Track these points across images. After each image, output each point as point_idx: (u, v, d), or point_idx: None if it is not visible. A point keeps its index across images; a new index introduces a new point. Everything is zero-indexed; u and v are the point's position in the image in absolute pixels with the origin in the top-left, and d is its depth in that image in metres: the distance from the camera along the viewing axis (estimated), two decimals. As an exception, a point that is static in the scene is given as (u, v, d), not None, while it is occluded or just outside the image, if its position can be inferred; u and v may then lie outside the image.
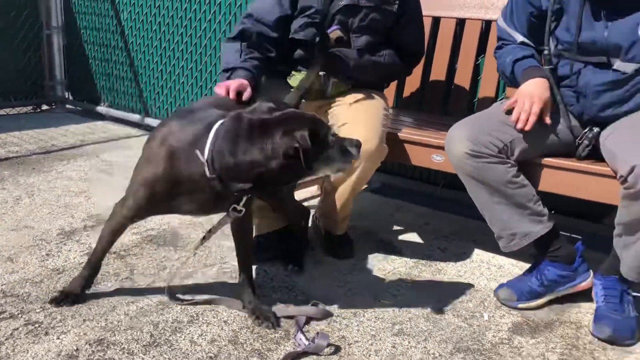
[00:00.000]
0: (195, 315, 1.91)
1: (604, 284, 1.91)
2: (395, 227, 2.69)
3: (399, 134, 2.28)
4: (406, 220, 2.76)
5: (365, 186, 3.20)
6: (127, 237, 2.48)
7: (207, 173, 1.61)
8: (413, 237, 2.60)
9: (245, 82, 2.06)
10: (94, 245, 2.32)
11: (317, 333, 1.76)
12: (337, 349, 1.75)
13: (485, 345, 1.80)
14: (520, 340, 1.83)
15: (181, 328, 1.83)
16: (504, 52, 2.11)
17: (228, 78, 2.15)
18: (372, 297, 2.07)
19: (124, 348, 1.72)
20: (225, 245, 2.45)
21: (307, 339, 1.74)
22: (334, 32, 2.27)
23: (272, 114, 1.64)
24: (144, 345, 1.74)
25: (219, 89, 2.03)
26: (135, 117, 4.40)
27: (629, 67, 1.83)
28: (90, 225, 2.59)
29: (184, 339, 1.78)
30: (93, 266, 1.97)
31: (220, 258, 2.33)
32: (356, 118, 2.17)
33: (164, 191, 1.70)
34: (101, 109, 4.67)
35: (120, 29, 4.34)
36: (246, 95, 2.03)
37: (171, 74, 4.09)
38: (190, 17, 3.86)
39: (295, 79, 2.39)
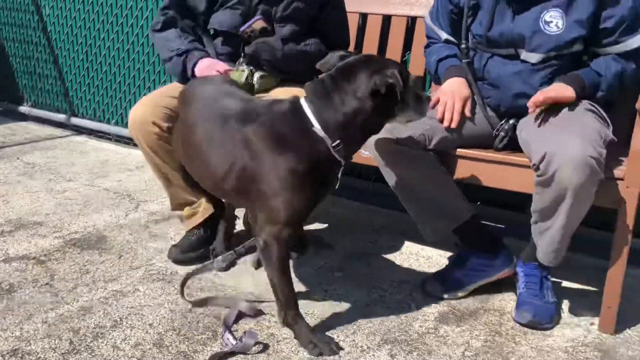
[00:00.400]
0: (119, 319, 1.84)
1: (524, 271, 1.98)
2: (328, 223, 2.69)
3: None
4: (338, 215, 2.77)
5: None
6: (49, 241, 2.37)
7: (330, 142, 1.62)
8: (345, 231, 2.61)
9: (212, 61, 2.20)
10: (10, 251, 2.21)
11: (245, 332, 1.73)
12: (265, 347, 1.73)
13: (412, 336, 1.83)
14: (446, 329, 1.87)
15: (104, 333, 1.77)
16: (431, 51, 2.17)
17: (184, 61, 2.21)
18: (303, 293, 2.06)
19: (39, 357, 1.64)
20: (152, 247, 2.38)
21: (234, 338, 1.71)
22: (257, 23, 2.24)
23: (347, 59, 1.67)
24: (62, 354, 1.66)
25: (210, 71, 2.16)
26: (61, 117, 4.22)
27: (533, 57, 1.90)
28: (8, 231, 2.46)
29: (106, 345, 1.71)
30: (293, 307, 1.74)
31: (147, 260, 2.26)
32: None
33: (311, 187, 1.66)
34: (24, 109, 4.45)
35: (42, 25, 4.14)
36: (225, 67, 2.18)
37: (98, 72, 3.95)
38: (116, 12, 3.73)
39: (222, 74, 2.36)
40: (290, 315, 1.73)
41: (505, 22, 1.92)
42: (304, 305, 1.95)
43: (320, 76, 1.71)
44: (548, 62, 1.89)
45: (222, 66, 2.19)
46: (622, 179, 1.77)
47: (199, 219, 2.29)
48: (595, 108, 1.83)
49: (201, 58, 2.21)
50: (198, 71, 2.19)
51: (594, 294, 2.05)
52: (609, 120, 1.84)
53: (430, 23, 2.18)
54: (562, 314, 1.97)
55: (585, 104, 1.82)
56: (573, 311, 1.99)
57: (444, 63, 2.08)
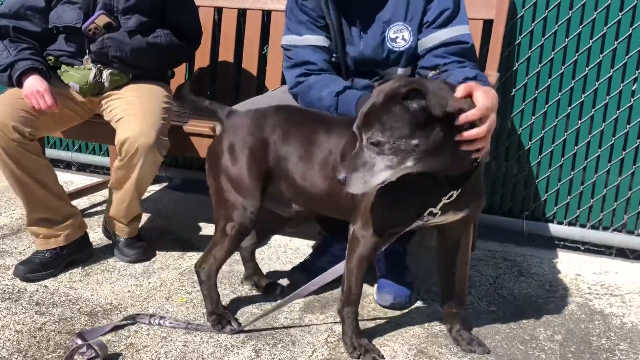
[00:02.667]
0: (-46, 348, 1.67)
1: (385, 254, 2.05)
2: (195, 223, 2.63)
3: (184, 126, 2.22)
4: (206, 214, 2.69)
5: (165, 184, 3.09)
6: None
7: None
8: (211, 230, 2.53)
9: (40, 80, 2.04)
10: None
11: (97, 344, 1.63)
12: (124, 357, 1.65)
13: (277, 328, 1.83)
14: (310, 318, 1.89)
15: None
16: (313, 86, 1.84)
17: (10, 77, 2.07)
18: (165, 298, 1.99)
19: None
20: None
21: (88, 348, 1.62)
22: (100, 18, 2.13)
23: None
24: None
25: (34, 102, 2.02)
26: None
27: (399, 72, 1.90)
28: None
29: (-63, 378, 1.54)
30: (355, 305, 1.69)
31: (-10, 279, 2.08)
32: (132, 111, 2.07)
33: None
34: None
35: None
36: (49, 95, 2.03)
37: None
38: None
39: (69, 74, 2.21)
40: (347, 309, 1.68)
41: (354, 43, 1.88)
42: (165, 311, 1.90)
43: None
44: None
45: (49, 99, 2.03)
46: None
47: (60, 242, 2.13)
48: None
49: (27, 70, 2.05)
50: (25, 89, 2.04)
51: (449, 270, 2.18)
52: None
53: (294, 41, 1.91)
54: (419, 292, 2.07)
55: None
56: (429, 288, 2.10)
57: (348, 95, 1.78)
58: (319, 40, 1.90)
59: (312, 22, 1.90)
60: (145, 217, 2.57)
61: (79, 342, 1.64)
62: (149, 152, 1.99)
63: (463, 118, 1.39)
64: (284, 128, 1.73)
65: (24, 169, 2.01)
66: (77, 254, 2.19)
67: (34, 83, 2.04)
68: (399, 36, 1.86)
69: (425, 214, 1.54)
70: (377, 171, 1.40)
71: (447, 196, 1.52)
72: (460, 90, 1.41)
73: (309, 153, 1.69)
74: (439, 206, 1.53)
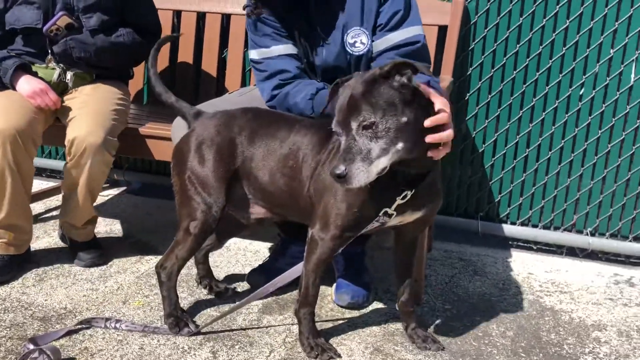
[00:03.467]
0: None
1: (344, 255, 2.08)
2: (153, 227, 2.60)
3: (140, 129, 2.21)
4: (165, 218, 2.69)
5: (124, 188, 3.05)
6: None
7: None
8: (171, 234, 2.52)
9: (33, 78, 2.08)
10: None
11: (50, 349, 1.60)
12: (77, 362, 1.63)
13: (235, 330, 1.83)
14: (269, 319, 1.90)
15: None
16: (289, 93, 1.86)
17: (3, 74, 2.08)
18: (122, 302, 1.97)
19: None
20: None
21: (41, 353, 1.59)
22: (62, 19, 2.11)
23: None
24: None
25: (39, 101, 2.04)
26: None
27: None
28: None
29: None
30: (311, 306, 1.72)
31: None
32: (83, 111, 2.07)
33: None
34: None
35: None
36: (52, 92, 2.09)
37: None
38: None
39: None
40: (304, 310, 1.71)
41: (317, 52, 1.90)
42: (121, 314, 1.88)
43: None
44: None
45: (53, 95, 2.07)
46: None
47: (18, 250, 2.10)
48: None
49: (16, 69, 2.06)
50: (22, 91, 2.05)
51: (406, 270, 2.22)
52: None
53: (265, 53, 1.91)
54: (377, 292, 2.10)
55: None
56: (387, 288, 2.13)
57: (321, 95, 1.81)
58: (287, 48, 1.91)
59: (277, 33, 1.91)
60: (103, 221, 2.54)
61: (31, 347, 1.61)
62: (97, 152, 1.98)
63: (434, 120, 1.46)
64: (250, 129, 1.75)
65: (22, 172, 1.99)
66: (26, 262, 2.16)
67: (31, 82, 2.05)
68: (357, 40, 1.89)
69: (380, 214, 1.57)
70: (375, 157, 1.40)
71: (402, 196, 1.56)
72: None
73: (272, 153, 1.72)
74: (393, 206, 1.56)
